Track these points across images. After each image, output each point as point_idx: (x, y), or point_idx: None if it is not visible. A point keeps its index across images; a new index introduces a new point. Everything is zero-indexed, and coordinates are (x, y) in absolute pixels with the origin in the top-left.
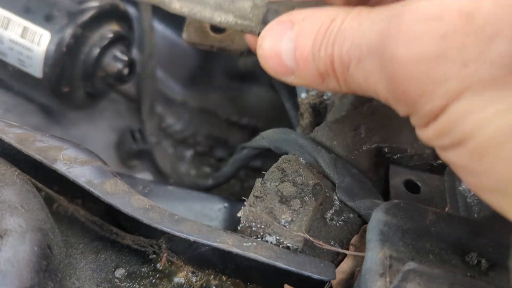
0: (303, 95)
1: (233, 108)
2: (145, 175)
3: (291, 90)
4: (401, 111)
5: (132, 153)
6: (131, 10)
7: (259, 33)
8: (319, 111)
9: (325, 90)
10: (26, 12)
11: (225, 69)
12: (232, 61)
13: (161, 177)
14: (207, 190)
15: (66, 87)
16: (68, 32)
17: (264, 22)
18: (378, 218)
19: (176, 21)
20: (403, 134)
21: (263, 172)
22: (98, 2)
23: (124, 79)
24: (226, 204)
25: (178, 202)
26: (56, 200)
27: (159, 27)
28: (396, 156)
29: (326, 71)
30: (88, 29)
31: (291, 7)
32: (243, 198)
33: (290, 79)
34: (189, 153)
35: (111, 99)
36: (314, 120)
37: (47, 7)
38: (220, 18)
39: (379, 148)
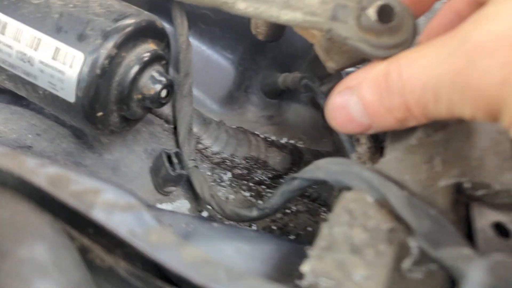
0: None
1: (271, 127)
2: (182, 202)
3: None
4: (489, 121)
5: (168, 179)
6: (165, 24)
7: (328, 29)
8: (377, 136)
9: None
10: (57, 31)
11: (263, 86)
12: (270, 77)
13: (199, 203)
14: (251, 220)
15: (100, 111)
16: (103, 53)
17: (333, 18)
18: (478, 279)
19: (211, 35)
20: (486, 166)
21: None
22: (134, 19)
23: (162, 102)
24: (277, 243)
25: (226, 243)
26: (93, 250)
27: (194, 42)
28: (479, 193)
29: (404, 116)
30: (123, 49)
31: (358, 0)
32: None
33: (370, 131)
34: (227, 176)
35: (145, 120)
36: (373, 145)
37: (80, 25)
38: (287, 16)
39: (458, 183)
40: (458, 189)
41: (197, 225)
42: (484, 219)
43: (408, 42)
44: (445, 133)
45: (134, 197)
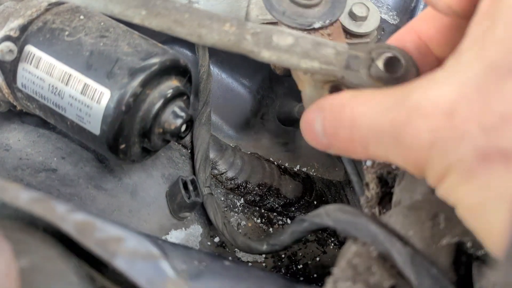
0: (369, 162)
1: (285, 153)
2: (196, 228)
3: None
4: (417, 176)
5: (183, 205)
6: (186, 53)
7: (341, 77)
8: (386, 181)
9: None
10: (87, 69)
11: (279, 114)
12: (286, 106)
13: (212, 229)
14: (261, 253)
15: (123, 144)
16: (128, 91)
17: (346, 67)
18: None
19: (231, 64)
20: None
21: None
22: (159, 58)
23: (182, 136)
24: (285, 285)
25: (236, 282)
26: None
27: (214, 70)
28: (480, 253)
29: (349, 148)
30: (148, 87)
31: (368, 51)
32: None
33: (331, 151)
34: (239, 202)
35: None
36: (381, 191)
37: (109, 64)
38: (306, 64)
39: (460, 242)
40: (459, 248)
41: (209, 262)
42: (485, 280)
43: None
44: None
45: (154, 244)
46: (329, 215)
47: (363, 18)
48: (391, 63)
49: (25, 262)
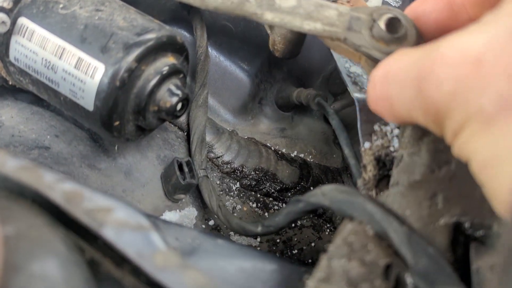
0: (367, 144)
1: (283, 139)
2: (190, 210)
3: (352, 136)
4: (436, 132)
5: (178, 187)
6: (184, 34)
7: (344, 38)
8: (384, 164)
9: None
10: (82, 42)
11: (277, 99)
12: (285, 91)
13: (206, 212)
14: (255, 235)
15: (117, 121)
16: (123, 66)
17: (348, 28)
18: None
19: (230, 47)
20: (487, 206)
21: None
22: (156, 33)
23: (177, 114)
24: (279, 264)
25: (229, 261)
26: (102, 264)
27: (212, 53)
28: (478, 234)
29: (382, 106)
30: (143, 63)
31: (370, 13)
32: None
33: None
34: (235, 186)
35: (159, 127)
36: (378, 173)
37: (104, 38)
38: (309, 26)
39: (458, 222)
40: (457, 228)
41: (203, 240)
42: (482, 260)
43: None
44: (448, 170)
45: (145, 216)
46: (325, 194)
47: (364, 1)
48: (392, 24)
49: (10, 229)
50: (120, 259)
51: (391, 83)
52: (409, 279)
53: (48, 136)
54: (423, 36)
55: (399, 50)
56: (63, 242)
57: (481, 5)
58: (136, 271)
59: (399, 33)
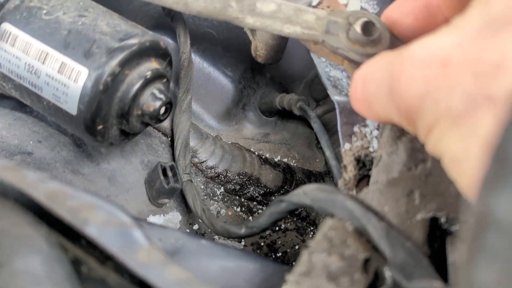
0: (347, 145)
1: (266, 144)
2: (174, 214)
3: (334, 141)
4: (410, 131)
5: (162, 191)
6: (168, 41)
7: (322, 41)
8: (364, 164)
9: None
10: (65, 47)
11: (261, 104)
12: (268, 96)
13: (190, 216)
14: (240, 237)
15: (101, 125)
16: (106, 70)
17: (326, 31)
18: None
19: (213, 54)
20: (462, 201)
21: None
22: (139, 38)
23: (161, 118)
24: (262, 264)
25: (212, 260)
26: (86, 262)
27: (196, 59)
28: (453, 228)
29: (363, 107)
30: (126, 67)
31: (346, 17)
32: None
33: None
34: (219, 191)
35: (143, 132)
36: (358, 173)
37: (87, 43)
38: (289, 29)
39: (435, 217)
40: (434, 223)
41: (186, 241)
42: (458, 253)
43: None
44: (424, 168)
45: (127, 215)
46: (306, 193)
47: (343, 6)
48: (367, 27)
49: None
50: (103, 257)
51: (369, 84)
52: (387, 273)
53: (31, 142)
54: (401, 39)
55: (380, 53)
56: (46, 240)
57: (457, 8)
58: (120, 269)
59: (374, 36)
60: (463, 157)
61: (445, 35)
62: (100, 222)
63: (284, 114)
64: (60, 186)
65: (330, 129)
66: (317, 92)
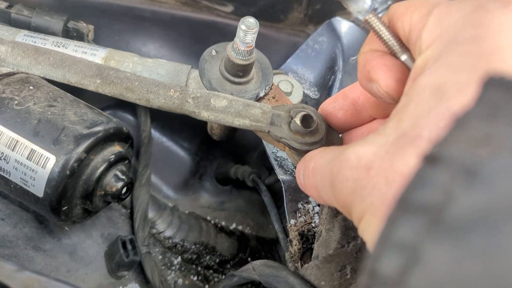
0: (292, 221)
1: (222, 212)
2: (133, 286)
3: (281, 213)
4: (348, 217)
5: (122, 264)
6: (129, 117)
7: (268, 131)
8: (307, 238)
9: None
10: (35, 135)
11: (217, 174)
12: (223, 167)
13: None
14: None
15: (65, 206)
16: (73, 157)
17: (271, 123)
18: None
19: (171, 129)
20: None
21: None
22: (104, 126)
23: (122, 198)
24: None
25: None
26: None
27: (155, 134)
28: None
29: (314, 192)
30: (92, 153)
31: (288, 110)
32: None
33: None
34: (177, 260)
35: None
36: (302, 247)
37: (56, 131)
38: (239, 122)
39: None
40: None
41: None
42: None
43: (323, 140)
44: (356, 245)
45: None
46: (255, 269)
47: (288, 94)
48: (306, 120)
49: None
50: None
51: (317, 175)
52: None
53: None
54: (334, 128)
55: (319, 144)
56: None
57: (377, 107)
58: None
59: (312, 127)
60: (375, 245)
61: (370, 143)
62: None
63: (239, 183)
64: (34, 276)
65: (281, 197)
66: (269, 162)
